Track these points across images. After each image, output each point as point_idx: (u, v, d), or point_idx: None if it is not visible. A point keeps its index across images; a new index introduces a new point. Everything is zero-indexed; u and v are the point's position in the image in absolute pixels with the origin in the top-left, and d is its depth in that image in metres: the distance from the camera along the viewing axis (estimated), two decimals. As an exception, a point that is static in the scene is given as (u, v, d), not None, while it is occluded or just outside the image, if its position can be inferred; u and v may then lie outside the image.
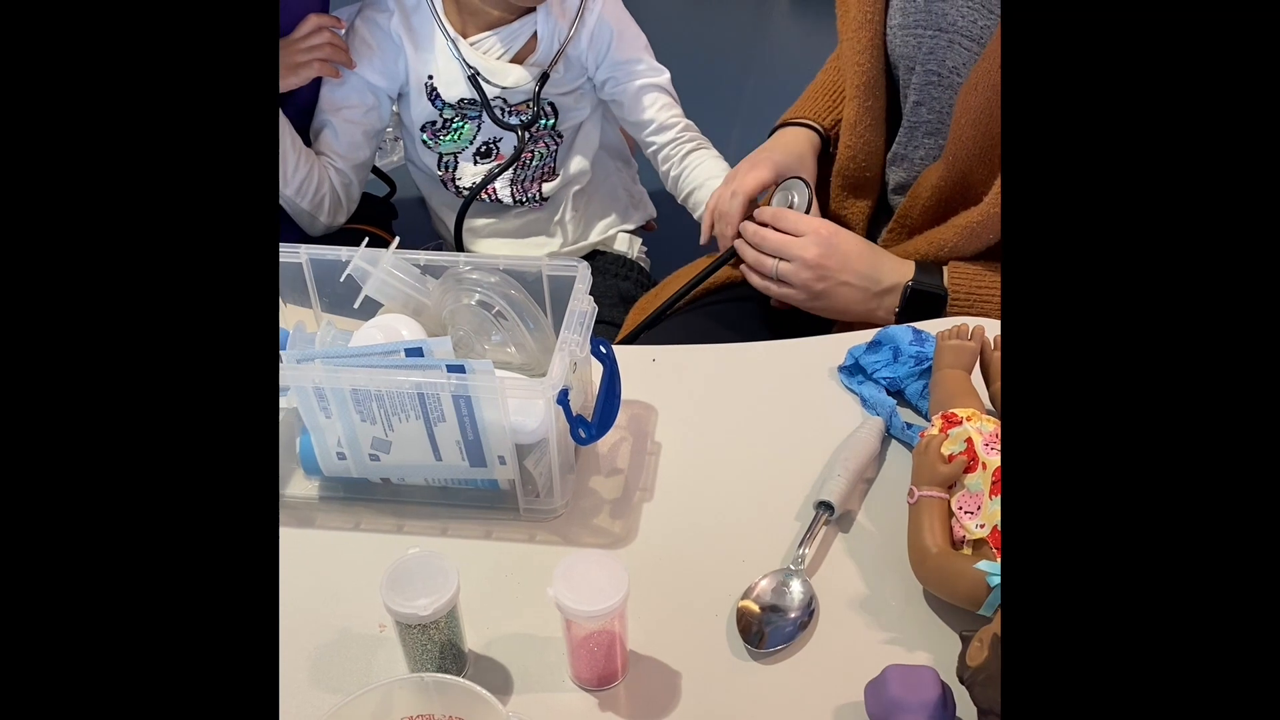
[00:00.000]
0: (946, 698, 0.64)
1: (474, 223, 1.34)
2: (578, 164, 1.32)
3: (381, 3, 1.21)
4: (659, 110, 1.27)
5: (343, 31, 1.21)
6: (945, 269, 1.00)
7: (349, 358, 0.77)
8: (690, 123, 1.30)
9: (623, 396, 0.82)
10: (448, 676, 0.58)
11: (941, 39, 1.00)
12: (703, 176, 1.26)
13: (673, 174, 1.29)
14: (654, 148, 1.29)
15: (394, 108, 1.29)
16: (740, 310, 1.19)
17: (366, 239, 0.85)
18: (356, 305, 0.82)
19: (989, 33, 0.96)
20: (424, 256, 0.85)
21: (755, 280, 1.05)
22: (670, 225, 1.52)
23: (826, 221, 1.03)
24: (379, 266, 0.82)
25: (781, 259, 1.01)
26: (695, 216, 1.25)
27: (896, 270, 1.01)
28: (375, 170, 1.41)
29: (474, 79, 1.19)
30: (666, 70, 1.28)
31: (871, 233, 1.16)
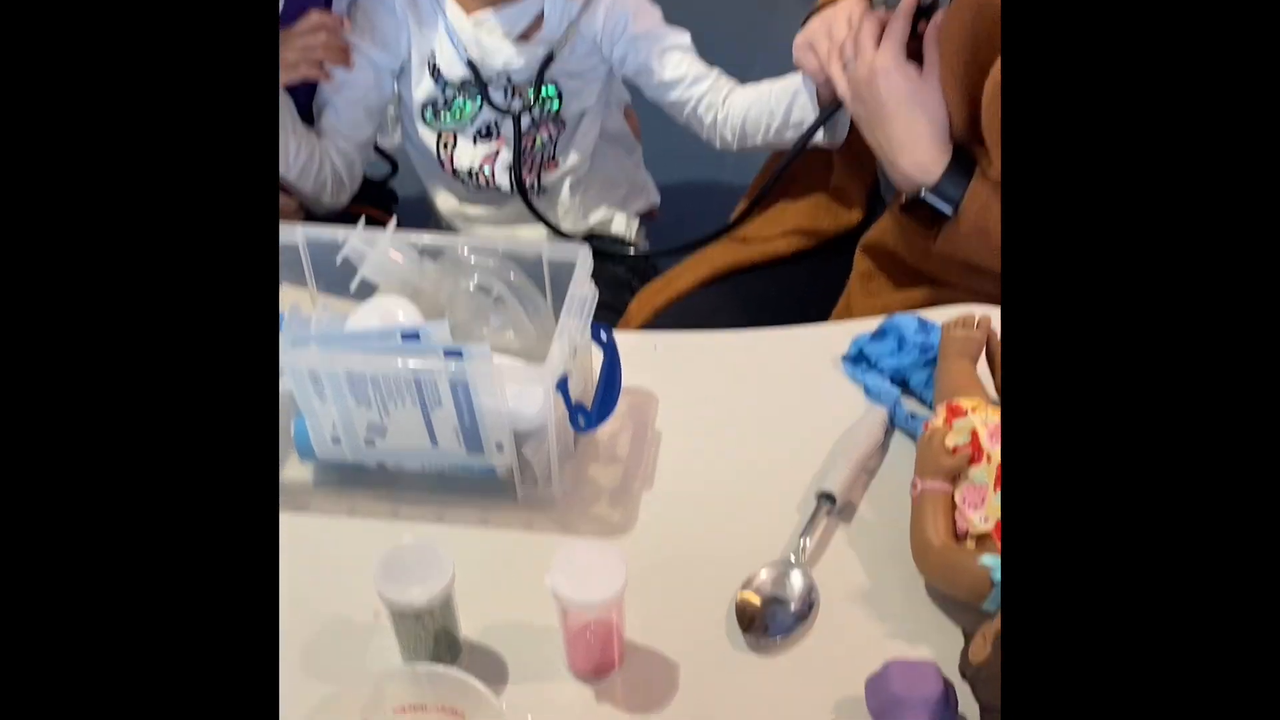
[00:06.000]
0: (948, 694, 0.63)
1: (469, 210, 1.32)
2: (578, 154, 1.29)
3: None
4: (689, 66, 1.22)
5: (345, 30, 1.18)
6: (973, 183, 0.94)
7: (345, 341, 0.76)
8: (722, 70, 1.26)
9: (624, 383, 0.81)
10: (440, 667, 0.57)
11: None
12: (754, 93, 1.19)
13: (720, 117, 1.21)
14: (692, 102, 1.22)
15: (395, 85, 1.27)
16: (744, 297, 1.18)
17: (364, 218, 0.83)
18: (353, 287, 0.81)
19: None
20: (421, 238, 0.83)
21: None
22: (672, 211, 1.51)
23: (891, 65, 0.96)
24: (376, 248, 0.81)
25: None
26: (765, 140, 1.18)
27: (919, 163, 0.96)
28: (377, 149, 1.39)
29: (470, 63, 1.17)
30: (686, 31, 1.25)
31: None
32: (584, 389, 0.82)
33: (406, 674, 0.58)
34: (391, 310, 0.79)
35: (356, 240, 0.81)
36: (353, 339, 0.76)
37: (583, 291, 0.79)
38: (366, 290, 0.83)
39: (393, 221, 0.83)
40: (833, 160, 1.21)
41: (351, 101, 1.21)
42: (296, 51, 1.13)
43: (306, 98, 1.23)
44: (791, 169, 1.15)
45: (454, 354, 0.72)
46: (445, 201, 1.32)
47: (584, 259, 0.80)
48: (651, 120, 1.50)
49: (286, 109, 1.17)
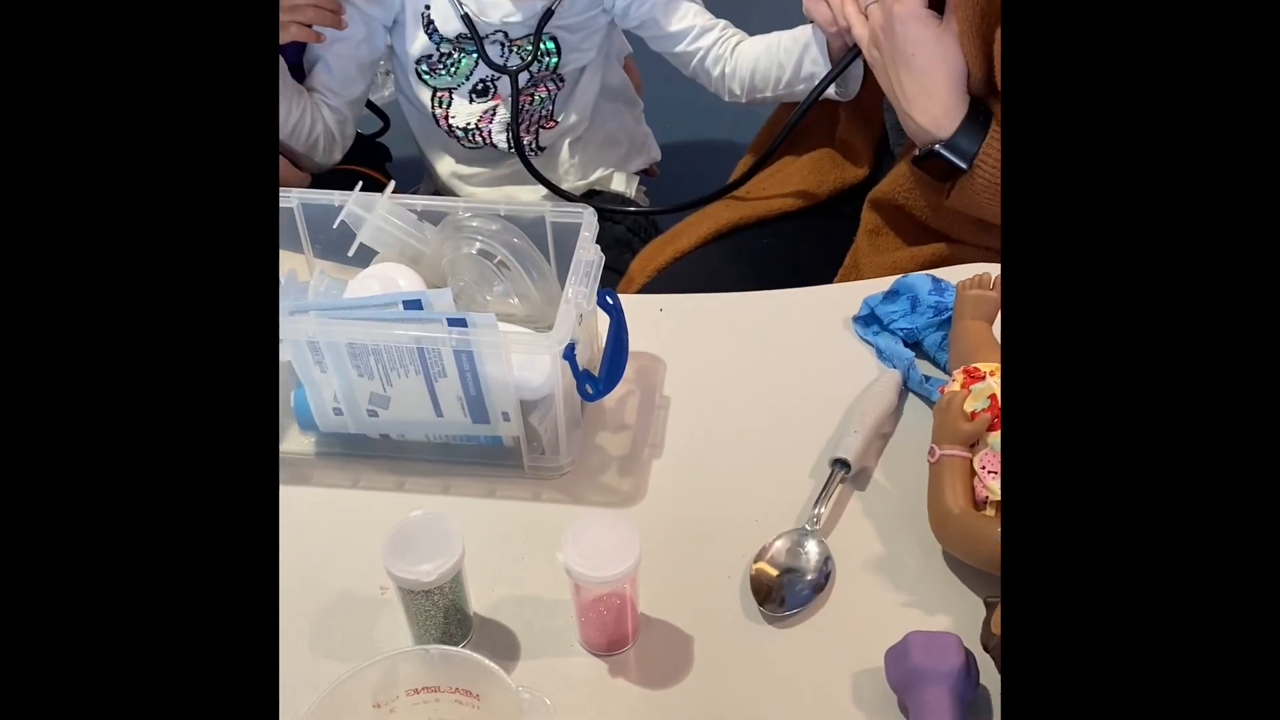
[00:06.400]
0: (970, 665, 0.62)
1: (464, 170, 1.29)
2: (577, 112, 1.26)
3: None
4: (694, 16, 1.19)
5: None
6: (988, 137, 0.91)
7: (345, 310, 0.74)
8: (728, 21, 1.22)
9: (631, 348, 0.79)
10: (453, 648, 0.56)
11: None
12: (762, 44, 1.16)
13: (728, 70, 1.18)
14: (700, 54, 1.19)
15: (388, 39, 1.23)
16: (749, 254, 1.15)
17: (361, 182, 0.81)
18: (351, 253, 0.79)
19: None
20: (420, 201, 0.81)
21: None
22: (673, 168, 1.48)
23: (909, 14, 0.93)
24: (374, 213, 0.78)
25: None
26: (774, 93, 1.15)
27: (934, 116, 0.93)
28: (368, 104, 1.36)
29: (465, 17, 1.13)
30: None
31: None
32: (591, 355, 0.80)
33: (419, 655, 0.57)
34: (392, 277, 0.77)
35: (353, 205, 0.78)
36: (353, 308, 0.74)
37: (589, 257, 0.76)
38: (365, 256, 0.81)
39: (390, 185, 0.80)
40: (838, 114, 1.19)
41: (343, 57, 1.18)
42: (286, 12, 1.10)
43: (297, 55, 1.20)
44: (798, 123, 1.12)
45: (458, 323, 0.70)
46: (441, 161, 1.29)
47: (589, 222, 0.78)
48: (651, 74, 1.47)
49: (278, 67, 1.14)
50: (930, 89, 0.93)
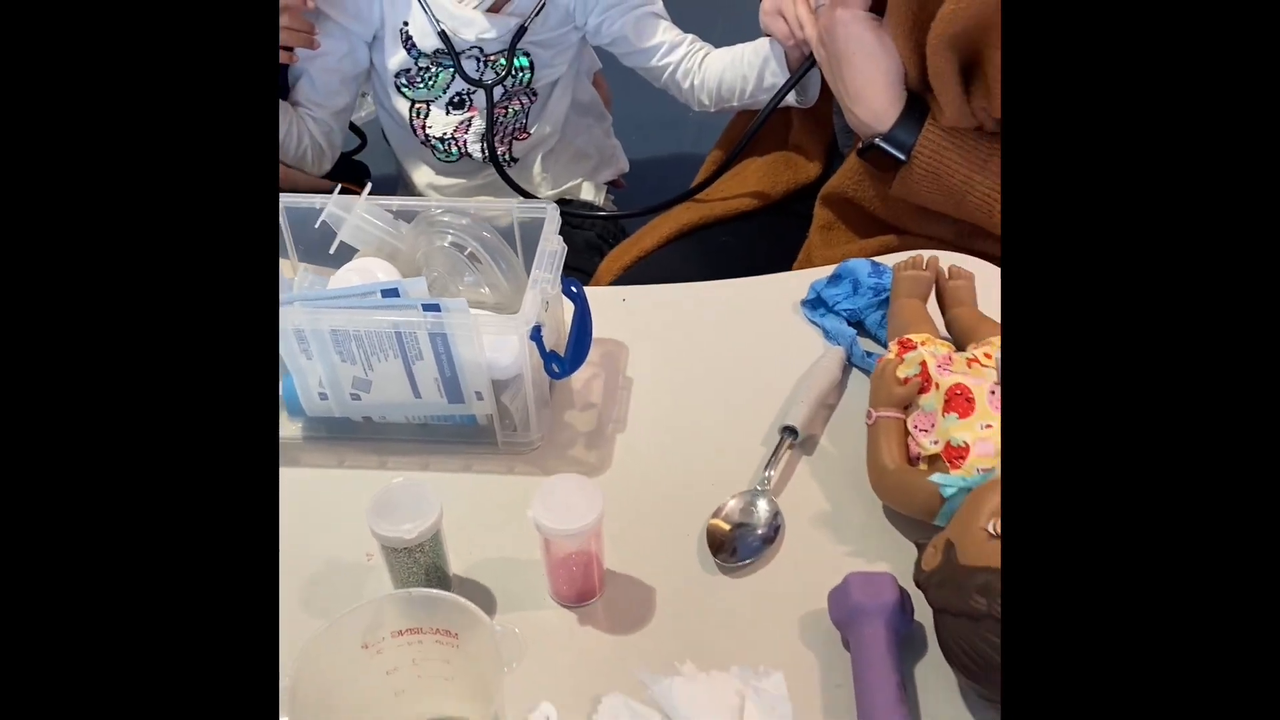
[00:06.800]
0: (904, 601, 0.68)
1: (440, 180, 1.35)
2: (549, 124, 1.32)
3: None
4: (664, 33, 1.26)
5: (309, 9, 1.17)
6: (924, 129, 0.99)
7: (328, 299, 0.80)
8: (695, 36, 1.29)
9: (595, 335, 0.85)
10: (434, 591, 0.61)
11: None
12: (728, 57, 1.24)
13: (696, 83, 1.26)
14: (670, 69, 1.26)
15: (369, 53, 1.28)
16: (709, 252, 1.22)
17: (339, 186, 0.87)
18: (332, 251, 0.85)
19: None
20: (396, 202, 0.87)
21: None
22: (639, 178, 1.54)
23: (850, 16, 1.02)
24: (353, 213, 0.84)
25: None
26: (740, 103, 1.23)
27: (874, 111, 1.00)
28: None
29: (443, 34, 1.19)
30: None
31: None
32: (557, 339, 0.87)
33: (402, 599, 0.62)
34: (371, 270, 0.83)
35: (334, 206, 0.85)
36: (335, 297, 0.80)
37: (552, 246, 0.83)
38: (345, 254, 0.87)
39: (368, 187, 0.86)
40: (792, 119, 1.26)
41: (326, 70, 1.22)
42: None
43: (281, 72, 1.25)
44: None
45: (432, 307, 0.76)
46: (418, 171, 1.35)
47: (552, 215, 0.85)
48: (620, 89, 1.53)
49: None
50: (870, 85, 1.00)
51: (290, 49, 1.18)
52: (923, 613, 0.69)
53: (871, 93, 1.00)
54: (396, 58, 1.24)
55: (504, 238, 0.87)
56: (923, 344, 0.79)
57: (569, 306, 0.85)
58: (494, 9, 1.20)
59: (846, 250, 1.12)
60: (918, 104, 1.00)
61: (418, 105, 1.28)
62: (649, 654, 0.70)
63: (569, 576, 0.72)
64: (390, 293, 0.79)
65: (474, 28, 1.20)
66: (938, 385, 0.75)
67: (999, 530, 0.63)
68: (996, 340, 0.79)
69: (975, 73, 0.95)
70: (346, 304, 0.78)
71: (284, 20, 1.15)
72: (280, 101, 1.22)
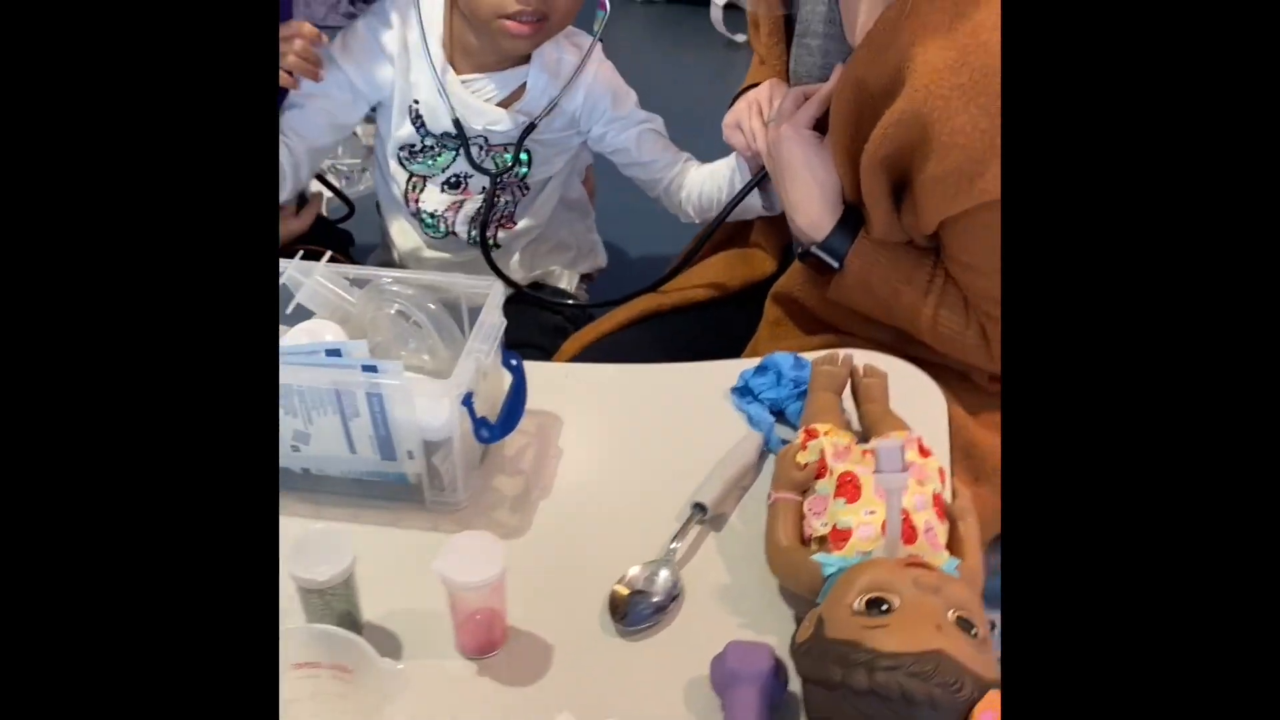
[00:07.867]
0: (779, 670, 0.73)
1: (424, 252, 1.41)
2: (536, 217, 1.38)
3: (385, 15, 1.24)
4: (661, 150, 1.33)
5: (323, 45, 1.19)
6: (856, 241, 1.06)
7: (276, 356, 0.86)
8: (689, 154, 1.36)
9: (537, 407, 0.91)
10: (328, 626, 0.66)
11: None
12: (706, 170, 1.31)
13: (683, 197, 1.33)
14: (664, 183, 1.34)
15: (369, 113, 1.31)
16: (666, 338, 1.28)
17: (301, 252, 0.94)
18: (288, 311, 0.91)
19: None
20: (353, 270, 0.94)
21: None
22: (617, 263, 1.61)
23: (792, 133, 1.09)
24: (310, 277, 0.91)
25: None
26: (718, 211, 1.28)
27: (811, 220, 1.07)
28: (337, 193, 1.48)
29: (457, 121, 1.24)
30: (658, 116, 1.37)
31: None
32: (492, 407, 0.92)
33: (302, 633, 0.67)
34: (319, 331, 0.89)
35: (294, 270, 0.91)
36: (283, 354, 0.86)
37: (492, 319, 0.89)
38: (302, 315, 0.93)
39: (327, 254, 0.93)
40: (753, 221, 1.33)
41: (320, 110, 1.26)
42: None
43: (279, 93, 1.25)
44: (721, 229, 1.27)
45: (370, 368, 0.82)
46: (402, 237, 1.40)
47: (496, 290, 0.91)
48: (606, 181, 1.61)
49: None
50: (807, 197, 1.07)
51: (292, 75, 1.18)
52: (796, 680, 0.73)
53: (809, 204, 1.07)
54: (403, 130, 1.28)
55: (453, 313, 0.93)
56: (825, 434, 0.84)
57: (508, 377, 0.91)
58: (504, 104, 1.26)
59: (790, 345, 1.17)
60: (853, 216, 1.07)
61: (415, 179, 1.33)
62: (539, 706, 0.74)
63: (473, 627, 0.77)
64: (333, 353, 0.85)
65: (484, 118, 1.25)
66: (831, 472, 0.80)
67: (864, 607, 0.67)
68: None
69: (905, 192, 1.02)
70: (292, 361, 0.84)
71: (295, 46, 1.16)
72: None
